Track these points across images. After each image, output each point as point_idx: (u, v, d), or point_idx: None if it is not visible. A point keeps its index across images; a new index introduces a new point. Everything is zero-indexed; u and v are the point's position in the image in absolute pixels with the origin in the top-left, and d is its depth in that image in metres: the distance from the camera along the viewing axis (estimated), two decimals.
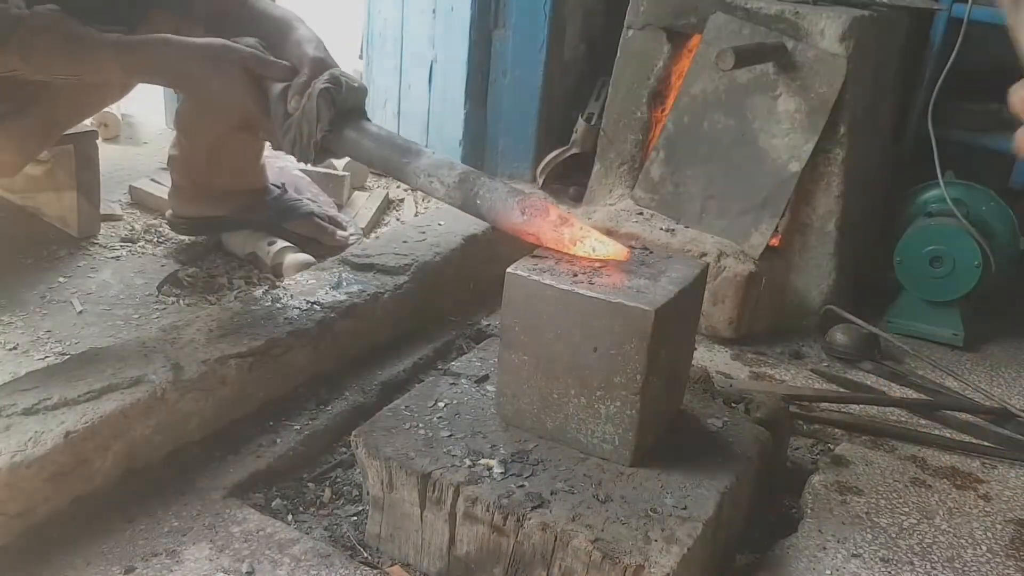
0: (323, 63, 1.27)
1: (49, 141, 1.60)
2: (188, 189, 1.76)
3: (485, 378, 1.19)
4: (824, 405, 1.47)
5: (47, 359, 1.36)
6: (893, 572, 1.04)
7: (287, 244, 1.75)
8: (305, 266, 1.65)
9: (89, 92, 1.51)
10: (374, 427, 1.06)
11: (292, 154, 1.25)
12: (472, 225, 1.71)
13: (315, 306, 1.37)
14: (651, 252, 1.10)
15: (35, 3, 1.28)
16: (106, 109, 2.16)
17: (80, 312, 1.52)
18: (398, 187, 2.26)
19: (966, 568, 1.07)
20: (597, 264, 1.04)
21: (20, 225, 1.81)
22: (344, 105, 1.22)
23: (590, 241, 1.04)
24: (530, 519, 0.93)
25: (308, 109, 1.21)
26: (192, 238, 1.83)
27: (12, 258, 1.67)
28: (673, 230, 1.75)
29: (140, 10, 1.49)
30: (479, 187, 1.11)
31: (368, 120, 1.27)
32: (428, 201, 2.19)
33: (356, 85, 1.24)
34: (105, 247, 1.78)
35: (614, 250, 1.05)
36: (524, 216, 1.06)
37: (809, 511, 1.15)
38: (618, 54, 1.93)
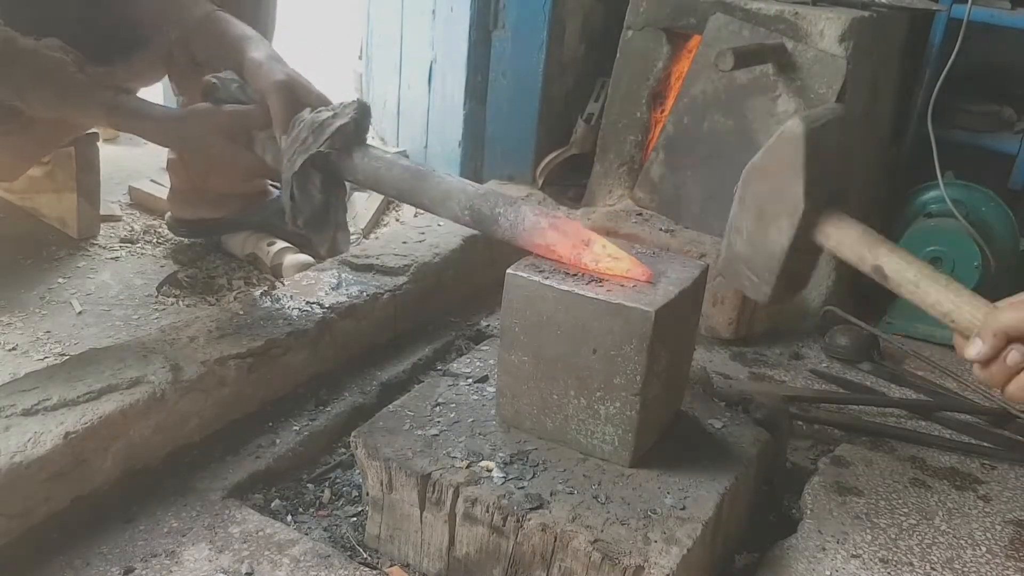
0: (288, 87, 1.20)
1: (50, 150, 1.60)
2: (187, 192, 1.76)
3: (485, 379, 1.18)
4: (824, 406, 1.47)
5: (46, 360, 1.36)
6: (892, 573, 1.04)
7: (286, 245, 1.75)
8: (305, 266, 1.65)
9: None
10: (373, 428, 1.06)
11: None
12: None
13: (314, 307, 1.37)
14: (655, 253, 1.09)
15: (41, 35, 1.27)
16: None
17: (79, 313, 1.52)
18: None
19: (965, 569, 1.07)
20: (613, 278, 1.01)
21: (20, 226, 1.81)
22: (335, 145, 1.17)
23: (609, 261, 1.01)
24: (530, 520, 0.93)
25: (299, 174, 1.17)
26: (192, 240, 1.83)
27: (12, 258, 1.67)
28: (673, 231, 1.75)
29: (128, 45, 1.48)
30: (496, 206, 1.09)
31: (368, 147, 1.21)
32: None
33: (343, 121, 1.17)
34: (105, 248, 1.78)
35: (635, 270, 1.01)
36: (548, 235, 1.03)
37: (809, 511, 1.15)
38: (618, 55, 1.93)
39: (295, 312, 1.35)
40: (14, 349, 1.39)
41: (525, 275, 1.00)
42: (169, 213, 1.82)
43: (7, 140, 1.42)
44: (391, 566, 1.04)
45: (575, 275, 1.00)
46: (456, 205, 1.12)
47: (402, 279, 1.52)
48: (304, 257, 1.72)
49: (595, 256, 1.01)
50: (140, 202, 1.99)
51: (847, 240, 0.94)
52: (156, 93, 2.48)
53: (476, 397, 1.15)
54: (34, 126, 1.40)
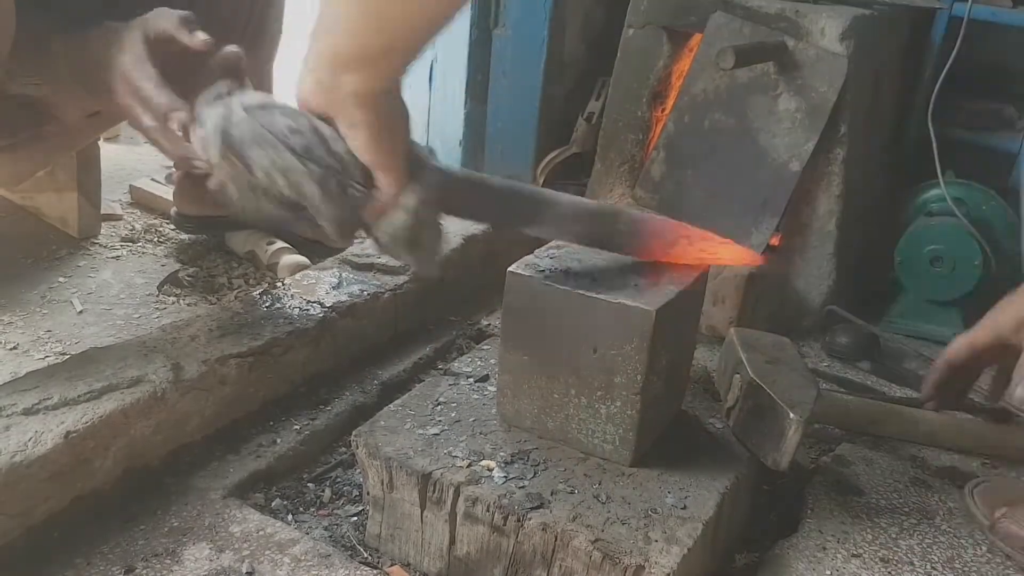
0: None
1: (51, 162, 1.59)
2: (194, 188, 1.76)
3: (485, 378, 1.18)
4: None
5: (47, 359, 1.36)
6: (893, 572, 1.04)
7: (284, 245, 1.75)
8: (299, 267, 1.65)
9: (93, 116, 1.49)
10: (374, 427, 1.06)
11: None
12: (471, 225, 1.71)
13: (315, 306, 1.37)
14: None
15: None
16: None
17: (80, 312, 1.52)
18: None
19: (966, 568, 1.07)
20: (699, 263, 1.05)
21: (20, 225, 1.80)
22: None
23: (722, 251, 1.06)
24: (530, 519, 0.93)
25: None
26: (193, 237, 1.83)
27: (12, 258, 1.67)
28: None
29: None
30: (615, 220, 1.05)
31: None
32: None
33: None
34: (105, 247, 1.78)
35: (746, 256, 1.09)
36: (663, 240, 1.04)
37: (809, 511, 1.15)
38: (618, 54, 1.93)
39: (296, 311, 1.35)
40: (15, 348, 1.39)
41: (526, 274, 1.00)
42: (174, 209, 1.82)
43: (7, 153, 1.40)
44: (392, 565, 1.04)
45: (576, 274, 1.00)
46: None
47: (403, 278, 1.52)
48: (300, 258, 1.72)
49: (706, 247, 1.05)
50: (141, 201, 1.99)
51: None
52: None
53: (477, 396, 1.15)
54: (39, 135, 1.39)
